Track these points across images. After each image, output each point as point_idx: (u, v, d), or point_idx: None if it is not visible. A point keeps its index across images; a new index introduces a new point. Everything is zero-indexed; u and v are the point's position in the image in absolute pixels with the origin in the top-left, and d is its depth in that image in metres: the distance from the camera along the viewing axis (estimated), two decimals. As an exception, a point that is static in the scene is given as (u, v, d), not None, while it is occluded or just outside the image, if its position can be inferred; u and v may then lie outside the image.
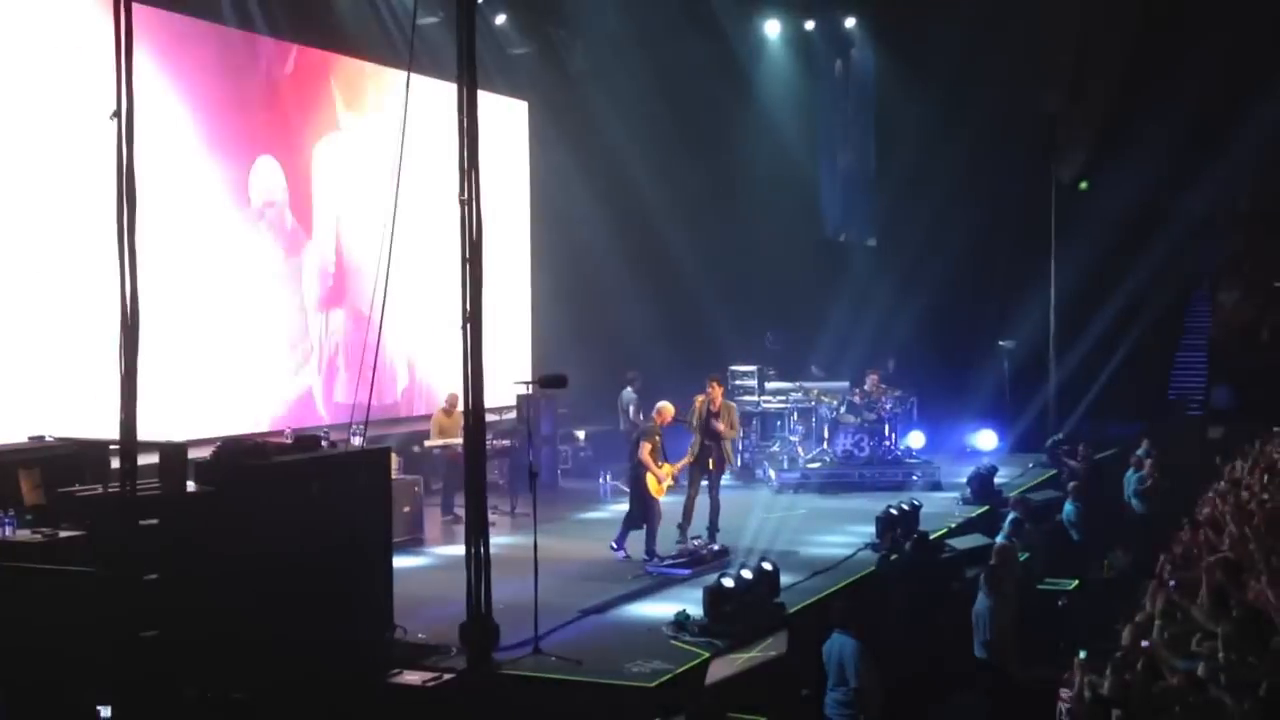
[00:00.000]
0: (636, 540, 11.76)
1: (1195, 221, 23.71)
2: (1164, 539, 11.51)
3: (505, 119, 18.42)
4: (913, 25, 20.70)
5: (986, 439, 19.19)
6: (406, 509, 12.40)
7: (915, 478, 16.28)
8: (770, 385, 17.83)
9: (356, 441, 9.46)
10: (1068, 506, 14.57)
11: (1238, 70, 22.10)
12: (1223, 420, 20.27)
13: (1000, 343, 20.99)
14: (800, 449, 17.08)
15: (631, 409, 16.39)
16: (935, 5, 19.98)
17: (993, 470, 15.79)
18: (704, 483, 12.47)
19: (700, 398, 12.68)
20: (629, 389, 16.82)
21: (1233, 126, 22.77)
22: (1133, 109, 21.70)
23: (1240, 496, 12.47)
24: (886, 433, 17.15)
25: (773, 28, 21.36)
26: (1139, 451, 15.92)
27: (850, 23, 21.56)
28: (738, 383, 18.06)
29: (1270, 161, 24.41)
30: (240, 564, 7.28)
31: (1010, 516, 12.69)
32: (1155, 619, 7.62)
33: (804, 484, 15.88)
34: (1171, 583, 8.90)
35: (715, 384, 12.89)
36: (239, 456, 7.80)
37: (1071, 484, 14.96)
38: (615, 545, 11.86)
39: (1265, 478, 13.39)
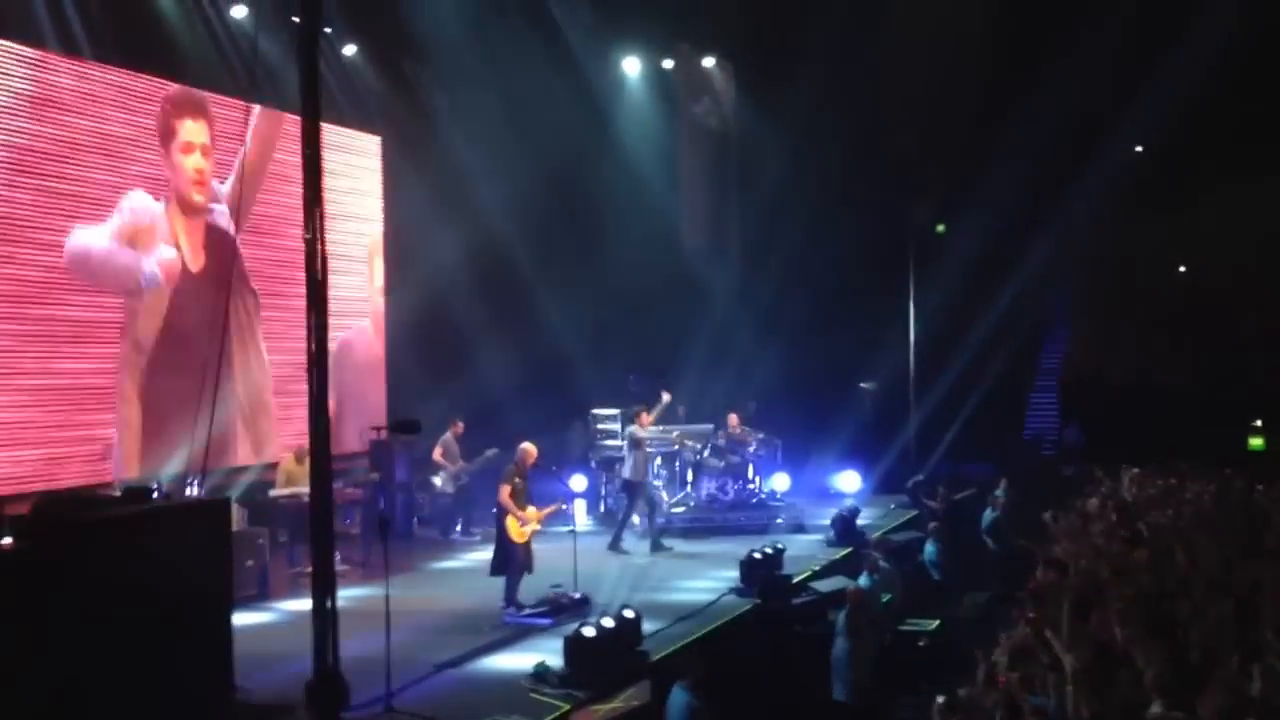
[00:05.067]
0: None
1: (1045, 264, 24.81)
2: (1021, 578, 11.87)
3: (355, 153, 18.17)
4: (770, 67, 21.23)
5: (849, 480, 19.56)
6: (250, 563, 12.00)
7: (779, 521, 16.49)
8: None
9: (193, 493, 9.13)
10: (928, 547, 14.94)
11: (1080, 115, 23.29)
12: (1074, 459, 21.08)
13: (861, 384, 21.49)
14: (664, 493, 17.14)
15: (438, 451, 16.18)
16: (792, 49, 20.54)
17: (855, 512, 16.09)
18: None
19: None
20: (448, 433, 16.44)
21: (1078, 170, 23.98)
22: (984, 154, 22.63)
23: (1091, 533, 12.99)
24: (750, 475, 17.34)
25: (631, 66, 21.63)
26: (996, 491, 16.42)
27: (709, 63, 21.94)
28: (600, 427, 18.08)
29: (1115, 204, 25.74)
30: (62, 626, 6.92)
31: (866, 560, 12.98)
32: (1009, 656, 7.83)
33: (667, 529, 15.92)
34: (1028, 616, 9.19)
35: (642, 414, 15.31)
36: (61, 511, 7.45)
37: (932, 524, 15.35)
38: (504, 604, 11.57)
39: (1115, 515, 13.97)
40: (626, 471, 15.32)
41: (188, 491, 9.25)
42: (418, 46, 18.36)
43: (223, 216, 15.21)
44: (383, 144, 18.87)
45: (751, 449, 17.44)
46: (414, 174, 18.79)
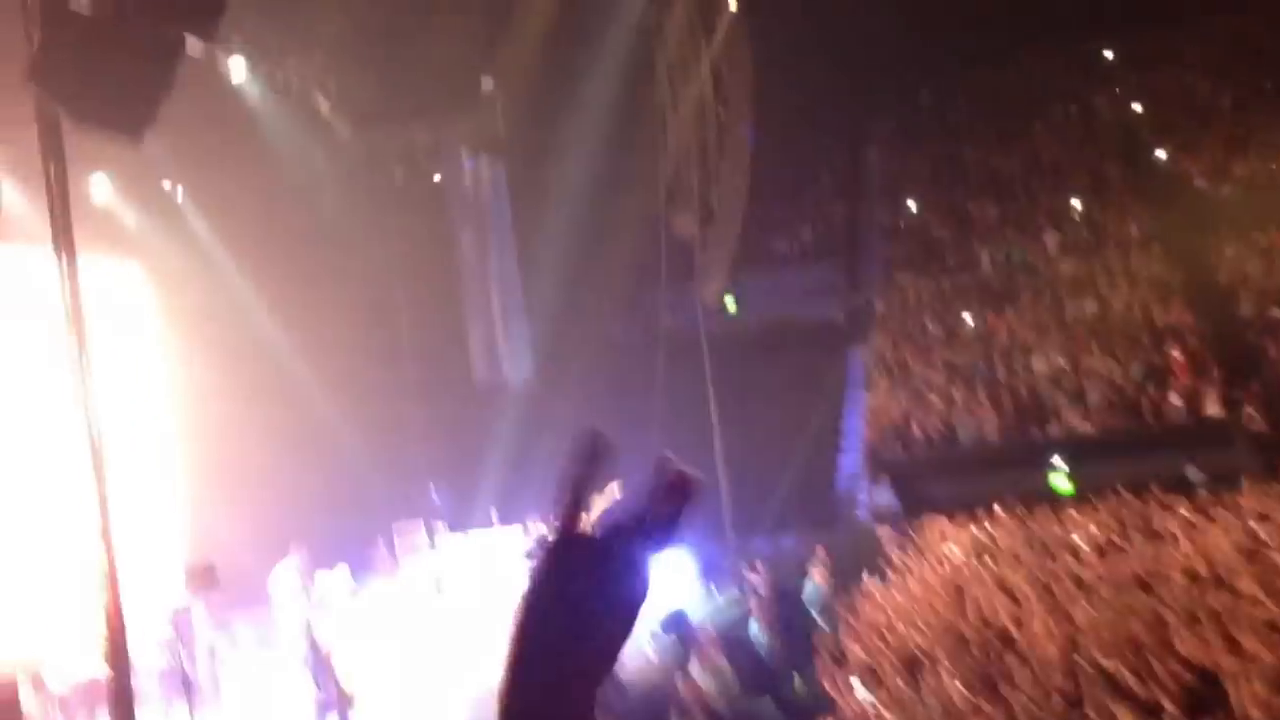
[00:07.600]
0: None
1: (839, 327, 25.77)
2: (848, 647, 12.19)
3: (117, 284, 17.58)
4: (540, 167, 21.72)
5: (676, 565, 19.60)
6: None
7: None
8: (441, 540, 17.67)
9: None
10: (753, 626, 15.18)
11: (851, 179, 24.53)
12: (887, 518, 21.71)
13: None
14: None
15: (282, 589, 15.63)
16: (561, 144, 21.06)
17: (682, 605, 16.17)
18: None
19: None
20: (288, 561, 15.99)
21: (856, 232, 25.18)
22: (762, 225, 23.56)
23: (911, 589, 13.43)
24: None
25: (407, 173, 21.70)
26: (814, 561, 16.80)
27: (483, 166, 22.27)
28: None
29: (896, 264, 26.97)
30: None
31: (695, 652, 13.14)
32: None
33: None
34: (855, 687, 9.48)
35: None
36: None
37: (752, 603, 15.61)
38: None
39: (932, 566, 14.47)
40: None
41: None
42: (174, 167, 18.02)
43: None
44: (146, 270, 18.39)
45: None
46: (184, 301, 18.39)
